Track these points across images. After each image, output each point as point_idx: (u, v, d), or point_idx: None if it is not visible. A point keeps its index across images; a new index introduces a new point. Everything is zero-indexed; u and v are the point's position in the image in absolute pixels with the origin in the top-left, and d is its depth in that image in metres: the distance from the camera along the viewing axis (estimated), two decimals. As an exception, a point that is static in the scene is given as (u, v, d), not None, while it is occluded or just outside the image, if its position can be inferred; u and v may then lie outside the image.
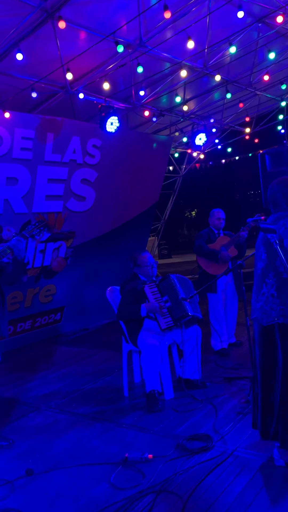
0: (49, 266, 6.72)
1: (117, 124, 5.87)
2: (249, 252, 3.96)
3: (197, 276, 6.38)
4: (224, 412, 3.72)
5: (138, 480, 2.82)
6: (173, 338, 4.28)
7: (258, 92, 7.66)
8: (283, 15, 4.47)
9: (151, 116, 6.81)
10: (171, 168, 11.20)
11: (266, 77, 6.12)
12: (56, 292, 7.00)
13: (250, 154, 11.66)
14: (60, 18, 4.17)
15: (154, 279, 4.40)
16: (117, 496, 2.66)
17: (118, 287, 4.45)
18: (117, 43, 4.60)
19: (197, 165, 12.11)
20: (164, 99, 7.21)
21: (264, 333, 2.76)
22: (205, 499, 2.58)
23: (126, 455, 3.08)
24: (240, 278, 5.44)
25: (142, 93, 5.90)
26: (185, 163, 11.10)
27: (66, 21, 4.45)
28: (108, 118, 5.74)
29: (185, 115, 7.52)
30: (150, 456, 3.05)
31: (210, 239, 5.51)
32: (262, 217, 5.19)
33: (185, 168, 11.14)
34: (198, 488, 2.69)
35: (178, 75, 5.94)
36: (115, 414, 3.90)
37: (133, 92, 6.22)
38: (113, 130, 5.90)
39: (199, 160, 11.35)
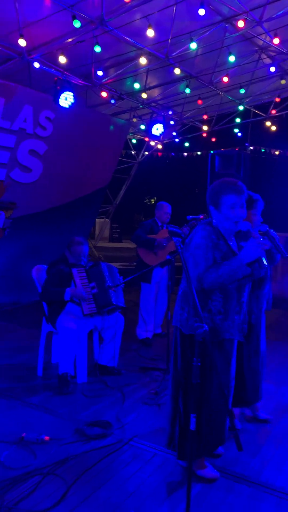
0: (-16, 235, 6.54)
1: (72, 100, 5.74)
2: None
3: (134, 264, 6.43)
4: (131, 401, 3.80)
5: (29, 461, 2.83)
6: (95, 324, 4.30)
7: (220, 92, 7.74)
8: (244, 20, 4.50)
9: (109, 97, 6.70)
10: (133, 152, 11.14)
11: (225, 79, 6.17)
12: (-11, 262, 6.83)
13: (212, 152, 11.86)
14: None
15: (83, 264, 4.38)
16: (3, 475, 2.66)
17: (45, 266, 4.39)
18: (74, 17, 4.47)
19: (159, 153, 12.14)
20: (128, 82, 7.11)
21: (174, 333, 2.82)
22: (90, 485, 2.63)
23: (23, 434, 3.08)
24: (172, 272, 5.54)
25: (100, 73, 5.79)
26: (143, 151, 11.08)
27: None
28: (63, 92, 5.59)
29: (145, 102, 7.47)
30: (47, 438, 3.06)
31: (153, 231, 5.56)
32: (202, 216, 5.28)
33: (142, 155, 11.11)
34: (86, 473, 2.74)
35: (140, 61, 5.88)
36: (23, 392, 3.88)
37: (92, 70, 6.09)
38: (67, 106, 5.76)
39: (161, 150, 11.36)
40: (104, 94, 6.66)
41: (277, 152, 12.29)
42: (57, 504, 2.43)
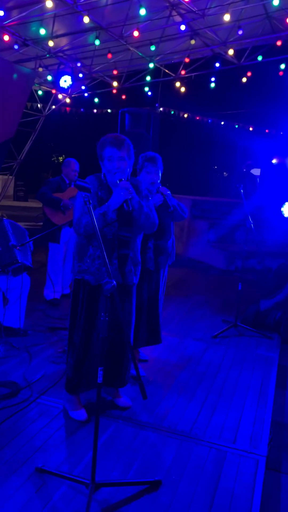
0: None
1: None
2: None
3: (41, 223, 6.21)
4: (38, 361, 3.77)
5: None
6: (-1, 284, 4.13)
7: (130, 47, 7.55)
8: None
9: (12, 42, 6.20)
10: (39, 105, 10.53)
11: (136, 33, 6.02)
12: None
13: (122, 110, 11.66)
14: None
15: (-16, 220, 4.13)
16: None
17: None
18: None
19: (68, 109, 11.65)
20: (33, 27, 6.61)
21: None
22: (-3, 444, 2.60)
23: None
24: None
25: (1, 13, 5.29)
26: (50, 104, 10.53)
27: None
28: None
29: (51, 51, 7.04)
30: None
31: (60, 189, 5.36)
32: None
33: (49, 109, 10.58)
34: (-9, 433, 2.69)
35: (46, 4, 5.47)
36: None
37: (-7, 9, 5.55)
38: None
39: (69, 105, 10.90)
40: (6, 37, 6.13)
41: (185, 115, 12.50)
42: None
